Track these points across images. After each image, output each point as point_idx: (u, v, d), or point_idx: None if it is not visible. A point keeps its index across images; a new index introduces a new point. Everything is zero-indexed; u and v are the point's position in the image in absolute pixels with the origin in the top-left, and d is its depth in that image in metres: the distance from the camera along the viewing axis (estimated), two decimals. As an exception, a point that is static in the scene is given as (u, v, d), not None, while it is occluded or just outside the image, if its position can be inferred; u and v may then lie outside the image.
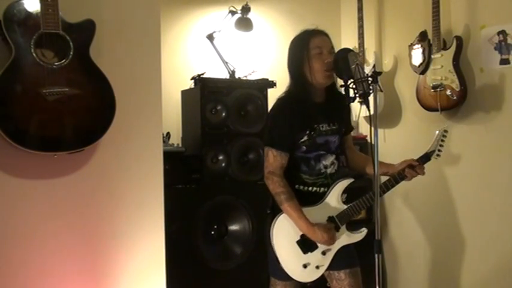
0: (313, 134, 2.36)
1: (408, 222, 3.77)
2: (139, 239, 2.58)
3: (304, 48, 2.37)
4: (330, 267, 2.38)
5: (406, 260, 3.81)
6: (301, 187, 2.39)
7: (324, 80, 2.36)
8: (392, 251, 3.91)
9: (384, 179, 2.38)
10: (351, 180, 2.41)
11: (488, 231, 3.24)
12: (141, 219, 2.59)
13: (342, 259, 2.38)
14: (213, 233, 3.32)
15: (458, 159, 3.40)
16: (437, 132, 2.40)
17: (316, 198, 2.39)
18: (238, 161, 3.39)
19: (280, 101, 2.44)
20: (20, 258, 2.33)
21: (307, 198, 2.37)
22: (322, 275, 2.41)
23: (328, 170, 2.40)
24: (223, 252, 3.32)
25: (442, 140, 2.39)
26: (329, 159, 2.40)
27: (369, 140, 3.71)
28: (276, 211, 2.36)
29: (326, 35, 2.42)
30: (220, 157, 3.34)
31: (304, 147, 2.36)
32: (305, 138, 2.36)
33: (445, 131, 2.40)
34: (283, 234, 2.35)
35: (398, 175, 2.35)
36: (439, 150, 2.38)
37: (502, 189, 3.17)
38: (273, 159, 2.35)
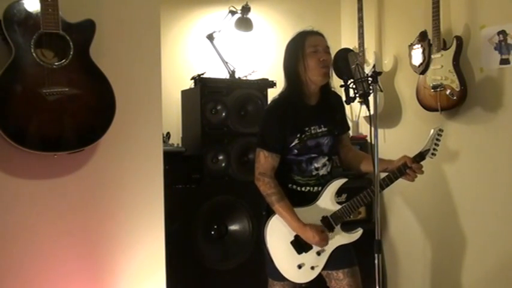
0: (303, 137, 2.36)
1: (408, 222, 3.77)
2: (139, 239, 2.58)
3: (299, 48, 2.37)
4: (328, 267, 2.38)
5: (406, 260, 3.81)
6: (294, 186, 2.40)
7: (320, 77, 2.35)
8: (392, 251, 3.90)
9: (382, 175, 2.36)
10: (344, 180, 2.40)
11: (488, 230, 3.24)
12: (141, 219, 2.59)
13: (340, 259, 2.38)
14: (213, 233, 3.32)
15: (458, 159, 3.40)
16: (432, 131, 2.39)
17: (310, 198, 2.39)
18: (238, 161, 3.39)
19: (273, 103, 2.46)
20: (20, 258, 2.32)
21: (301, 198, 2.37)
22: (321, 276, 2.41)
23: (320, 172, 2.40)
24: (223, 252, 3.32)
25: (438, 139, 2.36)
26: (321, 162, 2.40)
27: (368, 140, 3.71)
28: (271, 212, 2.36)
29: (321, 35, 2.42)
30: (220, 157, 3.34)
31: (296, 151, 2.36)
32: (296, 141, 2.36)
33: (440, 130, 2.38)
34: (277, 235, 2.35)
35: (398, 171, 2.33)
36: (434, 149, 2.36)
37: (502, 188, 3.17)
38: (264, 160, 2.35)
